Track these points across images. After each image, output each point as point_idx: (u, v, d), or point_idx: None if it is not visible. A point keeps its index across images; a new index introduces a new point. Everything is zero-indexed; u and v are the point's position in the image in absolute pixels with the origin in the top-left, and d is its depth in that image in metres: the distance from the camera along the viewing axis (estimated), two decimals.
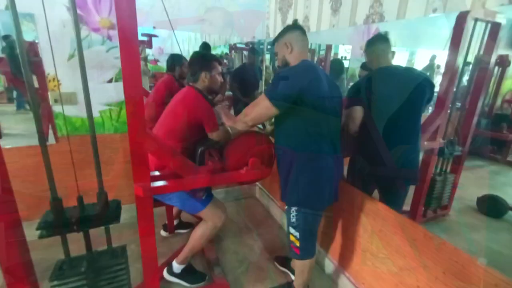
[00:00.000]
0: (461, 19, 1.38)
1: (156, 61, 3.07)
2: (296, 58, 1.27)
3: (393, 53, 1.47)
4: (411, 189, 1.65)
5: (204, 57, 1.57)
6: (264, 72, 2.80)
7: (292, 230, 1.37)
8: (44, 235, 0.88)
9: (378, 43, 1.45)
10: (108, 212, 0.97)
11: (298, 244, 1.36)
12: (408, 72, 1.51)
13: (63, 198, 0.93)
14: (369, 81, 1.46)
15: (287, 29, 1.31)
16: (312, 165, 1.24)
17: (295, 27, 1.30)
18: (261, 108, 1.18)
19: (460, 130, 1.76)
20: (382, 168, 1.45)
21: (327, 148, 1.25)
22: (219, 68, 1.54)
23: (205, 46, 2.68)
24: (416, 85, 1.36)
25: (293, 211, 1.33)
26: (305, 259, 1.41)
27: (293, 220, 1.34)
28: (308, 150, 1.22)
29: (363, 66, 2.03)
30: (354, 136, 1.48)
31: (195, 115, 1.40)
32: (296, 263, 1.47)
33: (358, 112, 1.44)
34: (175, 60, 2.24)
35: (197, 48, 2.73)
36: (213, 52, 2.92)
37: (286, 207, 1.39)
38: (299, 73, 1.17)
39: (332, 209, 1.68)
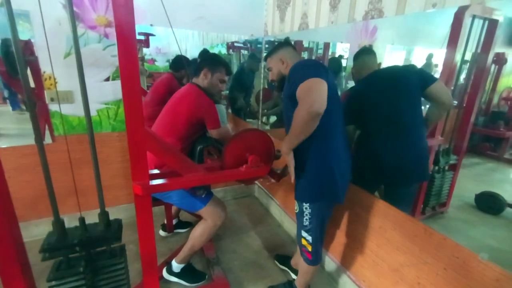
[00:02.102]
0: (459, 15, 1.38)
1: (153, 60, 3.05)
2: (289, 66, 1.28)
3: (379, 64, 1.52)
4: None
5: (214, 56, 1.56)
6: (262, 71, 2.79)
7: (304, 234, 1.35)
8: (47, 258, 0.90)
9: (364, 55, 1.53)
10: (110, 233, 0.98)
11: (310, 249, 1.35)
12: (390, 68, 1.54)
13: (61, 197, 0.92)
14: (358, 90, 1.54)
15: (280, 46, 1.35)
16: (328, 157, 1.21)
17: (287, 44, 1.37)
18: (317, 88, 1.04)
19: (458, 128, 1.77)
20: (387, 168, 1.44)
21: (341, 142, 1.25)
22: (224, 75, 1.51)
23: (204, 53, 2.65)
24: (399, 74, 1.42)
25: (306, 214, 1.30)
26: (316, 265, 1.40)
27: (306, 223, 1.31)
28: (324, 143, 1.20)
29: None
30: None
31: (197, 112, 1.39)
32: (303, 264, 1.44)
33: (350, 129, 1.51)
34: (182, 62, 2.16)
35: (195, 47, 2.71)
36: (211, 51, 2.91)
37: (297, 210, 1.35)
38: (314, 61, 1.23)
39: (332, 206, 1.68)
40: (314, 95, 1.03)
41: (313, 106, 1.02)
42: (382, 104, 1.42)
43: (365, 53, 1.53)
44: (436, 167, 1.82)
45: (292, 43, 1.41)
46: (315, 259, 1.37)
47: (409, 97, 1.39)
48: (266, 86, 2.98)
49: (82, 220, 0.97)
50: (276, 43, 1.40)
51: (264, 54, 2.76)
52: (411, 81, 1.37)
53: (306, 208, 1.30)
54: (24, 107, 2.35)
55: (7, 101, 2.90)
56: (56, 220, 0.91)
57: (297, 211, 1.35)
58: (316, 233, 1.32)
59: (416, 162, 1.42)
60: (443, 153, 1.73)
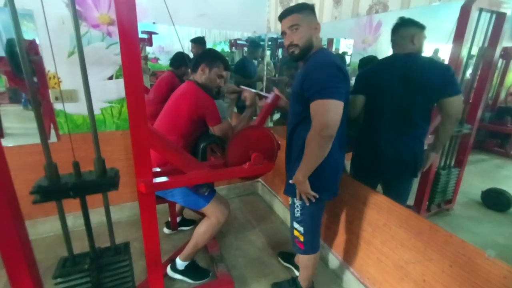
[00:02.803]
0: (466, 8, 1.35)
1: (156, 59, 3.06)
2: (318, 43, 1.18)
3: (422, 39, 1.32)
4: (415, 183, 1.64)
5: (212, 51, 1.54)
6: (265, 68, 2.77)
7: (296, 225, 1.36)
8: (38, 201, 0.85)
9: (417, 28, 1.29)
10: (105, 179, 0.93)
11: (302, 239, 1.36)
12: (423, 59, 1.36)
13: None
14: (377, 68, 1.42)
15: (307, 9, 1.15)
16: (328, 160, 1.17)
17: (313, 9, 1.18)
18: (334, 113, 1.04)
19: (464, 124, 1.74)
20: (384, 160, 1.43)
21: (336, 141, 1.20)
22: (222, 70, 1.49)
23: (196, 40, 2.62)
24: (425, 71, 1.27)
25: (297, 206, 1.32)
26: (309, 254, 1.40)
27: (297, 215, 1.33)
28: None
29: (361, 65, 1.99)
30: (357, 129, 1.46)
31: (197, 109, 1.39)
32: (301, 258, 1.46)
33: (359, 100, 1.43)
34: (182, 59, 2.17)
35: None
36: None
37: (290, 202, 1.38)
38: (337, 67, 1.08)
39: (336, 203, 1.67)
40: (329, 118, 1.03)
41: (327, 129, 1.03)
42: (394, 94, 1.34)
43: (417, 26, 1.29)
44: (442, 164, 1.80)
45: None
46: (308, 248, 1.38)
47: (424, 97, 1.30)
48: (273, 75, 2.94)
49: (76, 164, 0.92)
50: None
51: (267, 52, 2.75)
52: (433, 83, 1.25)
53: (297, 206, 1.32)
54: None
55: (21, 99, 2.93)
56: (49, 163, 0.86)
57: (290, 202, 1.37)
58: (308, 224, 1.33)
59: (412, 158, 1.41)
60: (448, 151, 1.70)
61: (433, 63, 1.33)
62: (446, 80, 1.23)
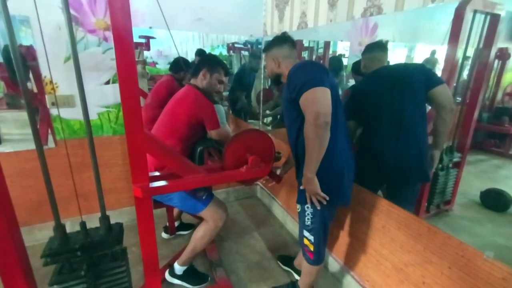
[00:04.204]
0: (460, 10, 1.36)
1: (154, 63, 3.06)
2: (287, 66, 1.24)
3: (388, 62, 1.51)
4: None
5: (213, 57, 1.57)
6: (263, 72, 2.78)
7: (306, 234, 1.33)
8: (49, 263, 0.90)
9: (377, 51, 1.49)
10: (111, 237, 0.98)
11: (312, 249, 1.33)
12: (397, 65, 1.52)
13: (64, 200, 0.92)
14: (362, 86, 1.53)
15: (274, 44, 1.30)
16: (332, 160, 1.18)
17: (282, 40, 1.29)
18: (321, 97, 1.05)
19: (461, 124, 1.74)
20: (387, 167, 1.43)
21: (345, 142, 1.23)
22: (222, 76, 1.51)
23: (200, 53, 2.65)
24: (405, 72, 1.39)
25: (308, 214, 1.28)
26: (318, 265, 1.38)
27: (308, 223, 1.30)
28: (329, 145, 1.14)
29: (354, 69, 2.00)
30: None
31: (196, 113, 1.39)
32: (305, 265, 1.42)
33: (351, 126, 1.49)
34: (182, 64, 2.17)
35: (195, 49, 2.72)
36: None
37: (298, 209, 1.34)
38: (313, 64, 1.22)
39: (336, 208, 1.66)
40: (318, 105, 1.04)
41: (320, 117, 1.03)
42: (385, 101, 1.39)
43: (378, 48, 1.50)
44: (440, 165, 1.79)
45: (291, 38, 1.32)
46: (317, 259, 1.35)
47: (413, 96, 1.36)
48: (267, 86, 2.97)
49: (83, 224, 0.97)
50: (274, 37, 1.34)
51: (263, 55, 2.76)
52: (416, 80, 1.34)
53: (307, 208, 1.28)
54: None
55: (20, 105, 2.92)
56: (58, 225, 0.91)
57: (299, 210, 1.33)
58: (319, 233, 1.30)
59: (416, 161, 1.40)
60: (446, 151, 1.71)
61: (409, 65, 1.49)
62: (426, 74, 1.33)
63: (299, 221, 1.36)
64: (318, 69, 1.14)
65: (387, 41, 1.53)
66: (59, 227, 0.91)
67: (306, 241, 1.35)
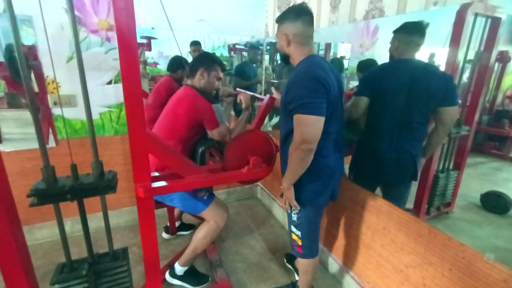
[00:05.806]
0: (461, 14, 1.37)
1: (155, 64, 3.06)
2: (298, 53, 1.15)
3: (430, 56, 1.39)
4: (414, 187, 1.64)
5: (208, 55, 1.57)
6: (263, 72, 2.79)
7: (293, 229, 1.36)
8: (35, 204, 0.84)
9: (417, 35, 1.31)
10: (103, 182, 0.92)
11: (300, 243, 1.35)
12: (424, 66, 1.39)
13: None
14: (383, 71, 1.43)
15: (287, 16, 1.12)
16: (315, 162, 1.18)
17: (297, 12, 1.11)
18: (312, 128, 1.07)
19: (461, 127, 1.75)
20: (386, 164, 1.44)
21: (330, 144, 1.23)
22: (220, 72, 1.51)
23: (195, 43, 2.63)
24: (426, 78, 1.29)
25: (293, 210, 1.31)
26: (308, 258, 1.40)
27: (294, 218, 1.33)
28: (314, 160, 1.16)
29: (360, 68, 2.00)
30: (357, 133, 1.46)
31: (195, 114, 1.39)
32: (300, 262, 1.45)
33: (363, 101, 1.43)
34: (178, 62, 2.17)
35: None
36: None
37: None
38: (317, 81, 1.07)
39: (335, 208, 1.67)
40: (307, 133, 1.07)
41: (305, 144, 1.07)
42: (397, 99, 1.35)
43: (419, 32, 1.30)
44: (440, 167, 1.80)
45: (309, 11, 1.14)
46: (306, 253, 1.37)
47: (425, 103, 1.31)
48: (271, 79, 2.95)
49: (74, 167, 0.91)
50: (289, 7, 1.16)
51: (266, 56, 2.77)
52: (434, 92, 1.27)
53: (294, 210, 1.31)
54: None
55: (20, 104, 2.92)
56: (46, 165, 0.85)
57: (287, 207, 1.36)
58: (305, 228, 1.33)
59: (411, 162, 1.42)
60: (446, 152, 1.71)
61: (436, 71, 1.35)
62: (447, 90, 1.26)
63: (287, 217, 1.39)
64: (320, 90, 1.07)
65: (427, 24, 1.31)
66: (48, 168, 0.86)
67: (294, 236, 1.37)
